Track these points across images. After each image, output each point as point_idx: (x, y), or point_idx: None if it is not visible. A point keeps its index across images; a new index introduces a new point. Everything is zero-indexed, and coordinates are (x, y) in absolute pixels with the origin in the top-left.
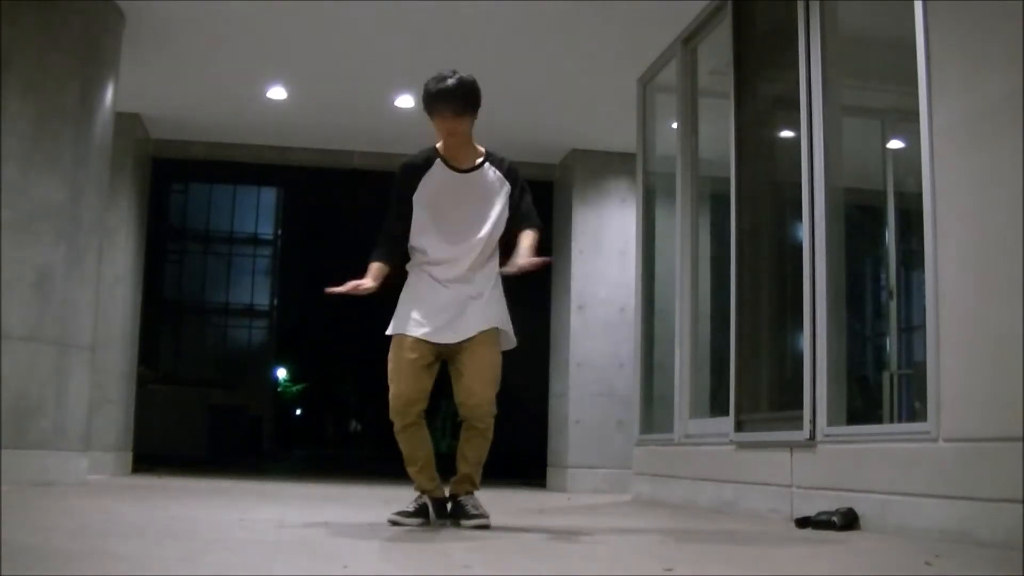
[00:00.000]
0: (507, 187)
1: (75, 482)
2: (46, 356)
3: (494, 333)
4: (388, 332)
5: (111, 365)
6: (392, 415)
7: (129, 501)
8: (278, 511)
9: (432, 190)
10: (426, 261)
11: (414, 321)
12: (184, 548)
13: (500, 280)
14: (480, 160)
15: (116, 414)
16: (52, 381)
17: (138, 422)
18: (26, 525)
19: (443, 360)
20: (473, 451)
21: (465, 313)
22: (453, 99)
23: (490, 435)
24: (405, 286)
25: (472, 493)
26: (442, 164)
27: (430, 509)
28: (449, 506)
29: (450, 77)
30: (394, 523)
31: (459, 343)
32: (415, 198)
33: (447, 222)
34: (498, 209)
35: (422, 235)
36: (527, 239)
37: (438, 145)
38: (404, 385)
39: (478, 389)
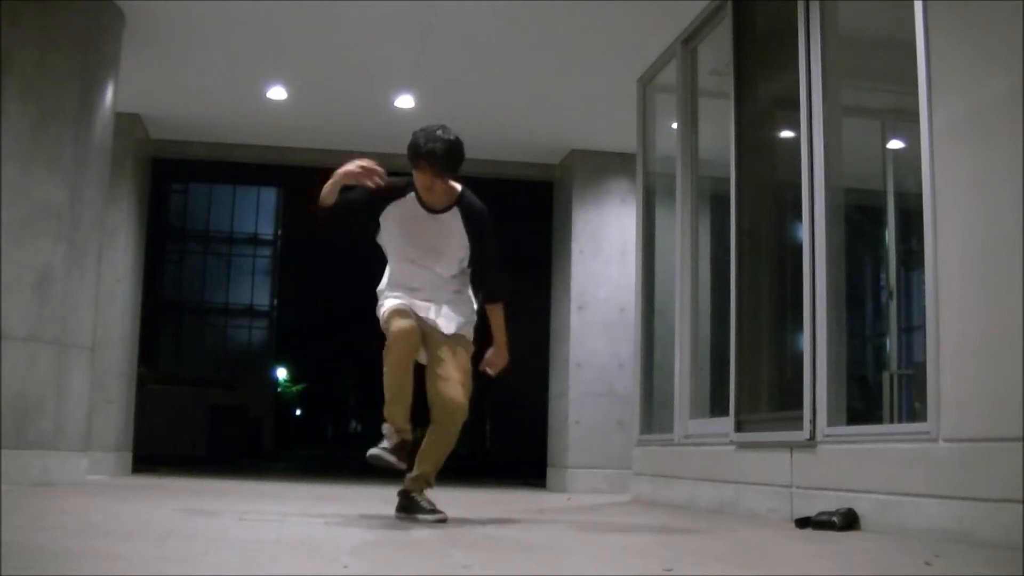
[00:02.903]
0: (464, 229)
1: (75, 482)
2: (46, 356)
3: (468, 343)
4: (382, 311)
5: (111, 365)
6: (388, 348)
7: (129, 501)
8: (278, 511)
9: (399, 217)
10: (399, 288)
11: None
12: (184, 548)
13: (474, 307)
14: (452, 203)
15: (116, 414)
16: (52, 381)
17: (138, 422)
18: (26, 525)
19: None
20: (438, 453)
21: (445, 321)
22: (439, 162)
23: (456, 439)
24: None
25: (424, 491)
26: (415, 199)
27: (404, 449)
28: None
29: (441, 138)
30: (374, 458)
31: (439, 336)
32: (384, 219)
33: (416, 255)
34: (459, 247)
35: (395, 264)
36: (497, 327)
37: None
38: (403, 323)
39: (456, 394)
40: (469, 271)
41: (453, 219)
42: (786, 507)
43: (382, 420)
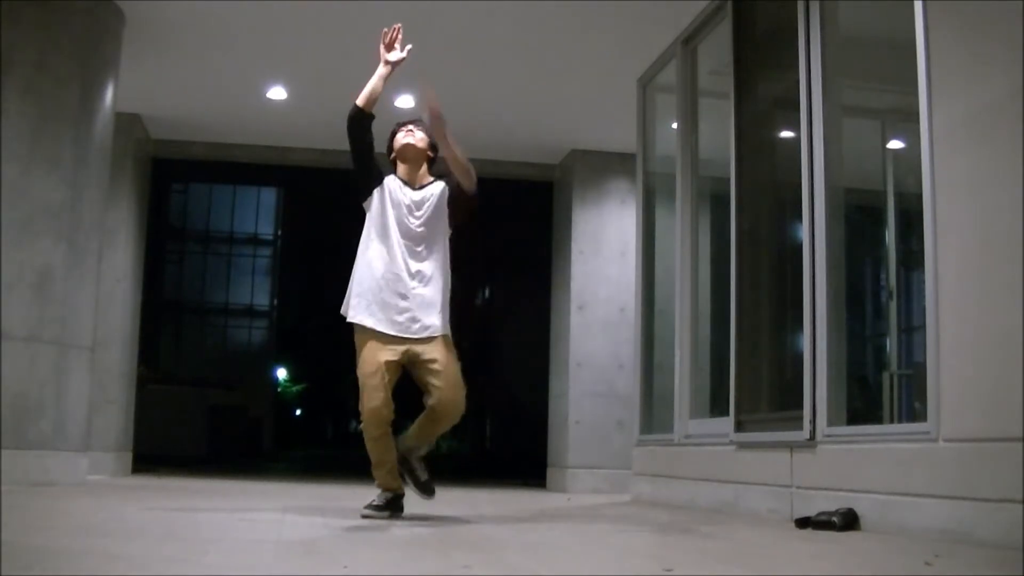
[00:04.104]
0: (445, 189)
1: (75, 482)
2: (46, 356)
3: (450, 340)
4: (350, 319)
5: (111, 365)
6: (365, 427)
7: (129, 501)
8: (278, 511)
9: (389, 193)
10: (382, 263)
11: (377, 317)
12: (184, 548)
13: (448, 288)
14: (428, 182)
15: (116, 414)
16: (52, 381)
17: (138, 422)
18: (26, 525)
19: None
20: (434, 434)
21: (425, 313)
22: (408, 123)
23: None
24: (359, 278)
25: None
26: (396, 179)
27: (395, 503)
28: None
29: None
30: (367, 517)
31: (423, 341)
32: (373, 198)
33: (403, 231)
34: (443, 217)
35: (375, 248)
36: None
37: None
38: (375, 400)
39: (457, 398)
40: (448, 249)
41: (435, 190)
42: (786, 507)
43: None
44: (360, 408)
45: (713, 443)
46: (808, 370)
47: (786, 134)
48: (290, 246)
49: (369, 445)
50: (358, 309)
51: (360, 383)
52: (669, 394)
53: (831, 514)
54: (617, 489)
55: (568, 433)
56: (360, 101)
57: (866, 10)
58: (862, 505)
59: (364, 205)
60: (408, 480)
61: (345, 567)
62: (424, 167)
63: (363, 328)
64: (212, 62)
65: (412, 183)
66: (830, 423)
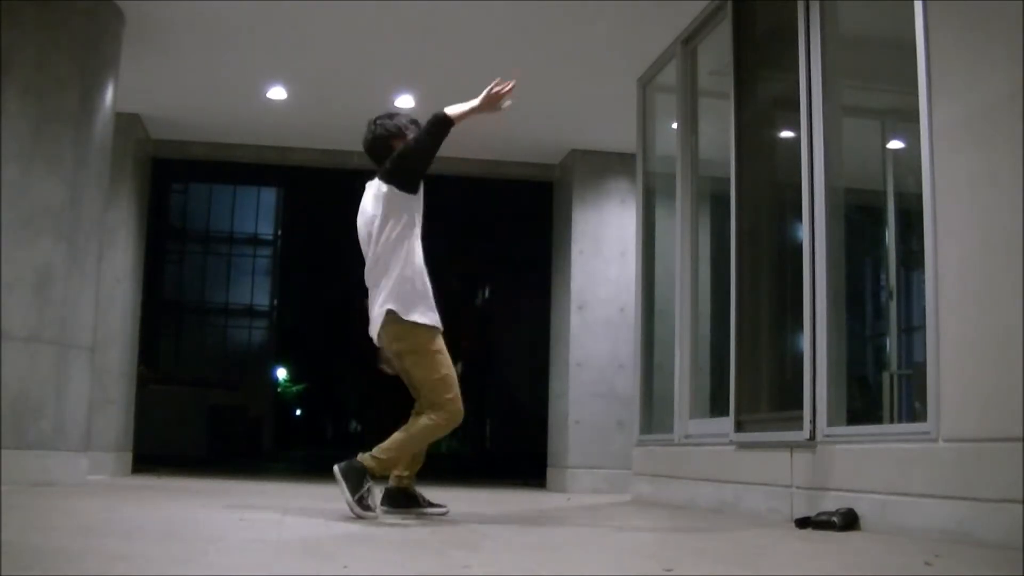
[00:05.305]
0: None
1: (75, 482)
2: (46, 356)
3: None
4: (429, 323)
5: (111, 365)
6: (447, 424)
7: (129, 501)
8: (278, 511)
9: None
10: (422, 263)
11: (437, 316)
12: (184, 548)
13: None
14: None
15: (116, 414)
16: (52, 381)
17: (138, 422)
18: (26, 525)
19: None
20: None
21: None
22: (367, 152)
23: None
24: (420, 280)
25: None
26: None
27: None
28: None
29: (367, 129)
30: (363, 518)
31: None
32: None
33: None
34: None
35: (418, 250)
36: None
37: None
38: (461, 401)
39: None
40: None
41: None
42: (786, 507)
43: (380, 459)
44: (448, 406)
45: (713, 443)
46: (808, 370)
47: (786, 134)
48: (290, 246)
49: (427, 437)
50: (427, 311)
51: (447, 382)
52: (669, 394)
53: (831, 514)
54: (617, 489)
55: (568, 433)
56: (454, 118)
57: (866, 10)
58: (862, 505)
59: (410, 198)
60: (422, 505)
61: (345, 567)
62: None
63: (433, 328)
64: (212, 62)
65: None
66: (830, 423)
